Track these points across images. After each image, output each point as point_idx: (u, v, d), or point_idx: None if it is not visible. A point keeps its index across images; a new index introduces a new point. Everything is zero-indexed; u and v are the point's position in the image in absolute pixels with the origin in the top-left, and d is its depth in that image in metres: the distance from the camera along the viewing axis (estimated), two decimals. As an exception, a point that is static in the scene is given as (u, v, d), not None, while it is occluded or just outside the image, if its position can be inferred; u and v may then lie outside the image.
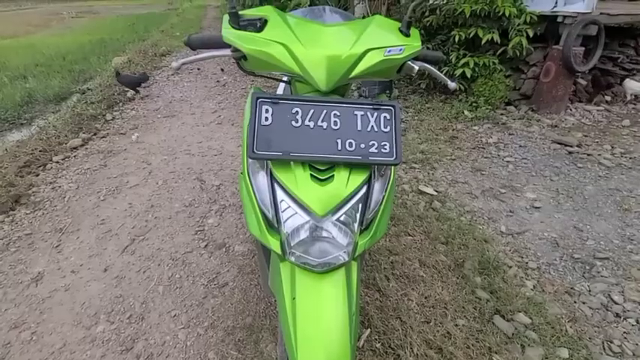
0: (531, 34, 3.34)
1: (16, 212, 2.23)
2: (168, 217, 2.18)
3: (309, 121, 0.76)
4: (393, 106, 0.78)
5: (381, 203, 0.81)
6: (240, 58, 0.86)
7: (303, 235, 0.75)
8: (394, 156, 0.76)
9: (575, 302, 1.61)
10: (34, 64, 6.01)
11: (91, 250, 1.93)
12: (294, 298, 0.76)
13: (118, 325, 1.50)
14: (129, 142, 3.20)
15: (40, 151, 2.92)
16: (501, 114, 3.61)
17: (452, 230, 2.00)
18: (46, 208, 2.28)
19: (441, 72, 0.97)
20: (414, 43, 0.84)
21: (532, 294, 1.63)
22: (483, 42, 3.43)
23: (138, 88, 4.37)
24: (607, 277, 1.73)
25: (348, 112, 0.77)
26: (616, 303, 1.60)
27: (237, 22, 0.81)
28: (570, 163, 2.78)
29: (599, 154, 2.86)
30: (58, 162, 2.83)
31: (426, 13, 3.95)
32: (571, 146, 2.99)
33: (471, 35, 3.46)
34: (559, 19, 3.43)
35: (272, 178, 0.78)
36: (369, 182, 0.79)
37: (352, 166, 0.77)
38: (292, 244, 0.75)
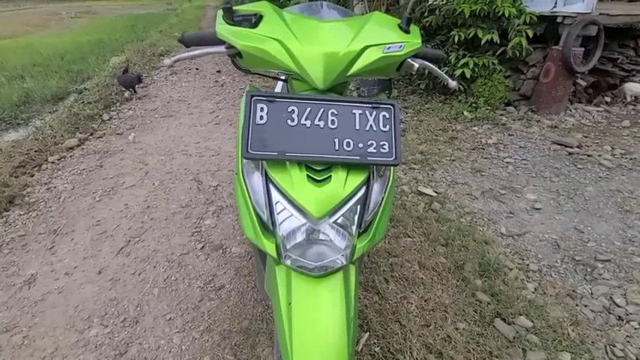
0: (531, 35, 3.33)
1: (9, 213, 2.20)
2: (165, 219, 2.15)
3: (306, 120, 0.73)
4: (393, 105, 0.75)
5: (380, 205, 0.78)
6: (235, 55, 0.83)
7: (300, 237, 0.72)
8: (393, 156, 0.73)
9: (577, 305, 1.58)
10: (32, 64, 5.98)
11: (85, 251, 1.90)
12: (289, 303, 0.74)
13: (111, 328, 1.47)
14: (125, 142, 3.17)
15: (35, 151, 2.89)
16: (501, 115, 3.59)
17: (452, 232, 1.98)
18: (40, 209, 2.25)
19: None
20: (414, 40, 0.82)
21: (533, 297, 1.61)
22: (483, 42, 3.41)
23: (135, 87, 4.32)
24: (609, 280, 1.71)
25: (346, 111, 0.74)
26: (618, 306, 1.57)
27: (232, 18, 0.78)
28: (570, 164, 2.76)
29: (600, 155, 2.84)
30: (53, 162, 2.80)
31: (426, 14, 3.94)
32: (571, 147, 2.97)
33: (471, 35, 3.44)
34: (559, 20, 3.42)
35: (267, 179, 0.76)
36: (367, 183, 0.77)
37: (350, 166, 0.74)
38: (288, 248, 0.72)
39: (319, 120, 0.73)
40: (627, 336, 1.45)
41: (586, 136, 3.18)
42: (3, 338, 1.43)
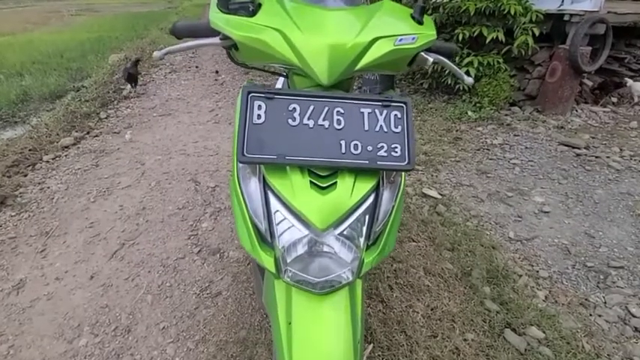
0: (537, 33, 3.25)
1: (0, 214, 2.12)
2: (161, 221, 2.08)
3: (309, 119, 0.66)
4: (405, 103, 0.68)
5: (391, 214, 0.71)
6: (231, 47, 0.76)
7: (301, 250, 0.65)
8: (406, 160, 0.66)
9: (590, 315, 1.51)
10: (31, 61, 5.89)
11: (77, 255, 1.82)
12: (289, 323, 0.66)
13: (102, 338, 1.40)
14: (122, 141, 3.10)
15: (29, 150, 2.82)
16: (506, 115, 3.52)
17: (458, 236, 1.91)
18: (32, 210, 2.18)
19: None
20: (428, 32, 0.74)
21: (544, 305, 1.54)
22: (488, 41, 3.34)
23: (137, 79, 4.22)
24: (623, 288, 1.64)
25: (354, 110, 0.67)
26: (634, 316, 1.50)
27: (227, 6, 0.71)
28: (578, 165, 2.68)
29: (608, 157, 2.77)
30: (47, 161, 2.72)
31: (429, 11, 3.86)
32: (578, 148, 2.90)
33: (475, 34, 3.36)
34: (565, 18, 3.34)
35: (265, 186, 0.68)
36: (376, 190, 0.69)
37: (358, 171, 0.67)
38: (288, 261, 0.65)
39: (323, 119, 0.66)
40: (645, 348, 1.38)
41: (593, 137, 3.11)
42: (-12, 348, 1.36)
